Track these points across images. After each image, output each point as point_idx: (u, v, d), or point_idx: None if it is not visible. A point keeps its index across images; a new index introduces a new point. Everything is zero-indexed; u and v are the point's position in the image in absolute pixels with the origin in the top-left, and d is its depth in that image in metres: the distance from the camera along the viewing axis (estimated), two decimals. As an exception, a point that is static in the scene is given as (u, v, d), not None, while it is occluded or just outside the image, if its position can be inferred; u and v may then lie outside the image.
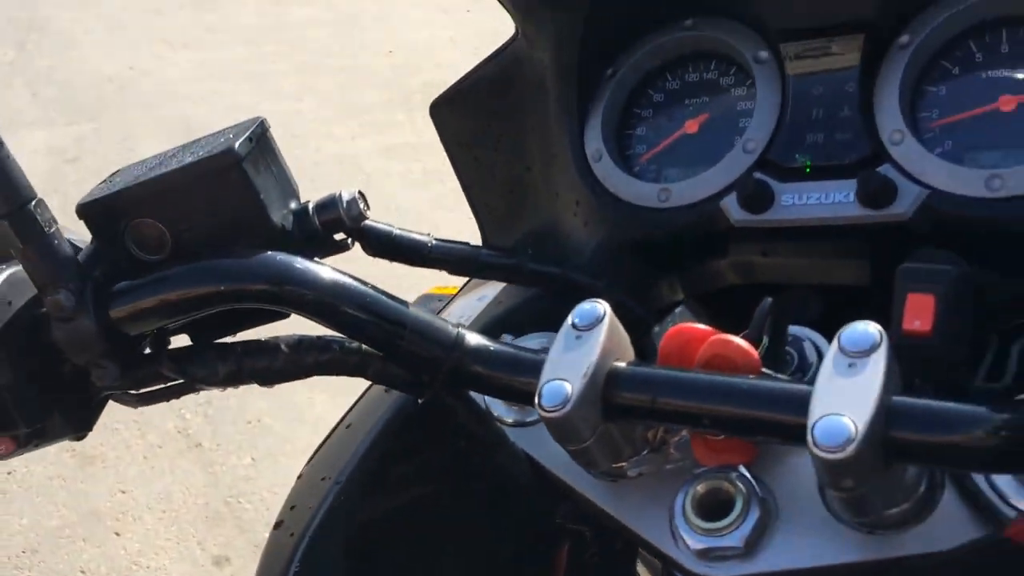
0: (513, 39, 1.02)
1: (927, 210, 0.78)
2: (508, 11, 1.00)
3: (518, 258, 0.90)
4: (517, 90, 1.03)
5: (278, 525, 0.86)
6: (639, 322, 0.87)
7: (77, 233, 0.74)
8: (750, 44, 0.90)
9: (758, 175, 0.86)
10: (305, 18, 6.91)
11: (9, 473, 3.07)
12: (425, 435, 0.88)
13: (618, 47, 0.97)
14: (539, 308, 0.92)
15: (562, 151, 0.98)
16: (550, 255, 0.99)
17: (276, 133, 0.75)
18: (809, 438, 0.55)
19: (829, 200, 0.83)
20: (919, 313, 0.65)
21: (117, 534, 2.87)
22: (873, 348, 0.57)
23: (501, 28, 1.03)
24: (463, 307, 1.00)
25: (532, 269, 0.89)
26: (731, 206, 0.86)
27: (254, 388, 0.76)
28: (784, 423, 0.59)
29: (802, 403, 0.57)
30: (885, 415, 0.55)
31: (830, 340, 0.61)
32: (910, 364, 0.64)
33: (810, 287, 0.90)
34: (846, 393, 0.56)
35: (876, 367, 0.56)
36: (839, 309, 0.73)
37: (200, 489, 3.01)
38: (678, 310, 0.83)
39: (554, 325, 0.69)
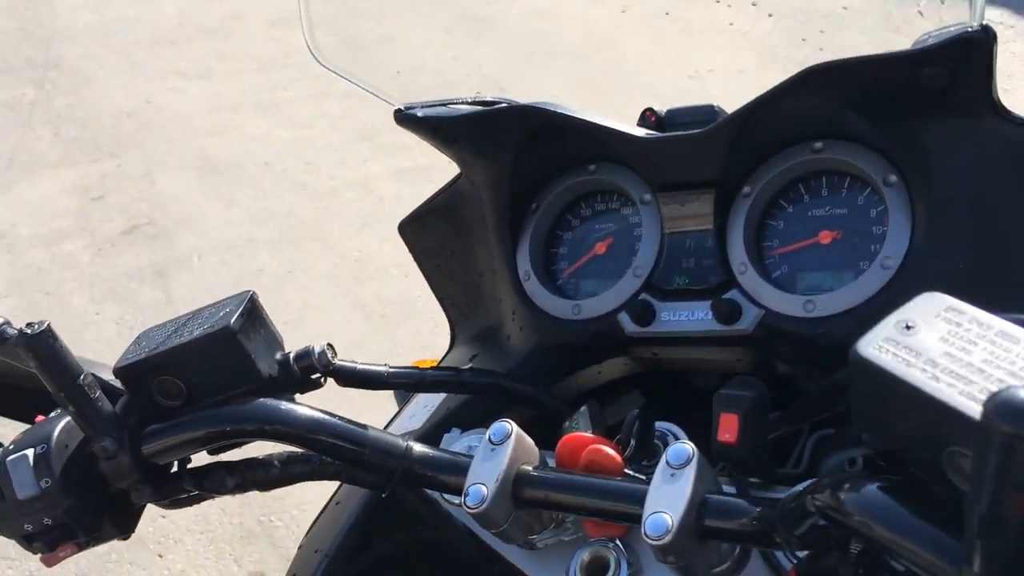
0: (458, 178, 1.24)
1: (763, 327, 0.99)
2: (451, 159, 1.23)
3: (461, 374, 1.11)
4: (464, 217, 1.24)
5: None
6: (557, 415, 1.10)
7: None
8: (637, 188, 1.11)
9: (644, 296, 1.07)
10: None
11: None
12: (393, 515, 1.09)
13: (538, 187, 1.18)
14: (482, 406, 1.13)
15: (501, 269, 1.19)
16: (499, 349, 1.21)
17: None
18: (642, 529, 0.76)
19: (694, 317, 1.04)
20: (728, 428, 0.85)
21: (160, 556, 3.03)
22: (688, 461, 0.78)
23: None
24: (425, 400, 1.21)
25: (472, 382, 1.10)
26: (625, 320, 1.07)
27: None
28: (630, 514, 0.80)
29: (641, 501, 0.78)
30: (696, 509, 0.76)
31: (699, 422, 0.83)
32: (727, 464, 0.88)
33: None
34: (668, 496, 0.76)
35: (689, 476, 0.77)
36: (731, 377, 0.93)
37: (235, 510, 3.12)
38: (582, 409, 1.04)
39: (492, 421, 0.88)
